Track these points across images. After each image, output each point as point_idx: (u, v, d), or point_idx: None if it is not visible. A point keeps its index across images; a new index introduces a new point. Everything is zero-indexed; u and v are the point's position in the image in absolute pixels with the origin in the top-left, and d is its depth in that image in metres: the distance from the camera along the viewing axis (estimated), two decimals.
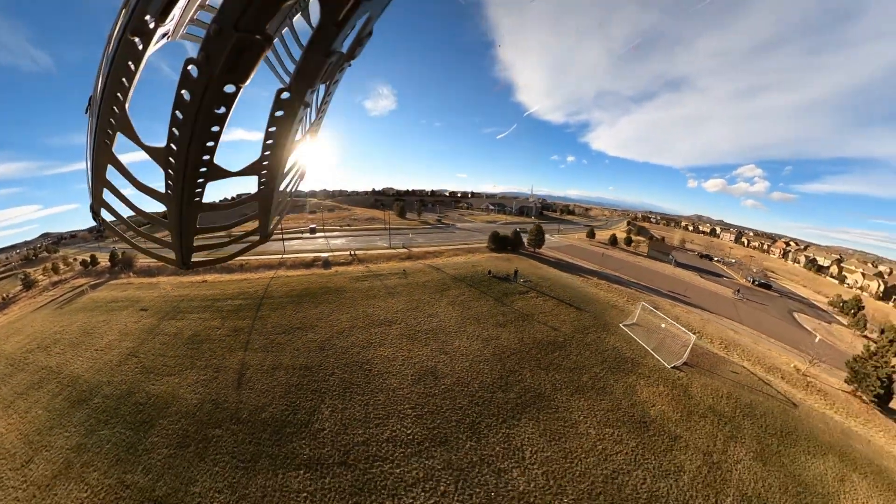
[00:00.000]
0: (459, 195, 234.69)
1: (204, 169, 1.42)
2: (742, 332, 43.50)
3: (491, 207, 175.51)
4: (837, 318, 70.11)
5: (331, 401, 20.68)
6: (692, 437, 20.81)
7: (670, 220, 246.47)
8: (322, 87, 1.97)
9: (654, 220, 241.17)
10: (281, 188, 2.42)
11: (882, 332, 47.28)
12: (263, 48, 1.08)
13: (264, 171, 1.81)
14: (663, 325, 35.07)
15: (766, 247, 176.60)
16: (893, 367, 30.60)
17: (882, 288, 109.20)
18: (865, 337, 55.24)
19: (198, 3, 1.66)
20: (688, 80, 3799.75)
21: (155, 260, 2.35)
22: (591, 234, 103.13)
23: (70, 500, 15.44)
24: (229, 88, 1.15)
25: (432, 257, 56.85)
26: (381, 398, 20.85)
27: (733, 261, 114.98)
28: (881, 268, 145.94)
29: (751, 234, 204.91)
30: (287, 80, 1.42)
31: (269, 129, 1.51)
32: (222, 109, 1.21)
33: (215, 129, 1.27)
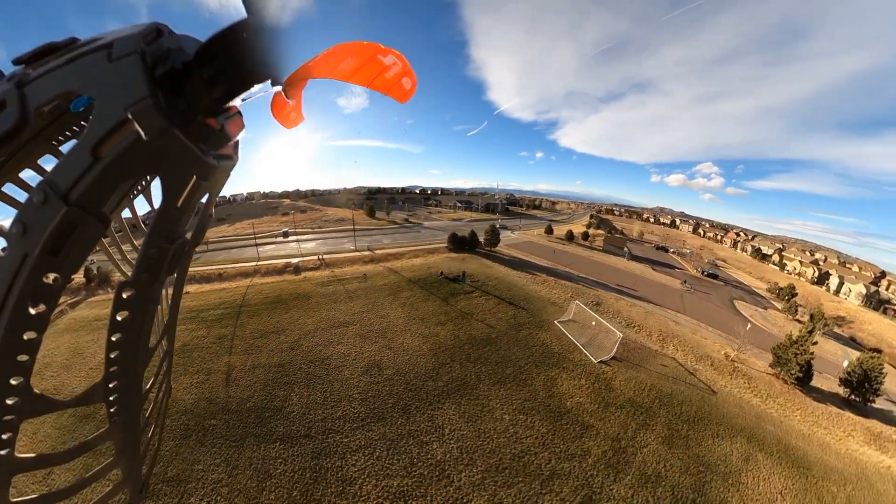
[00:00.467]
0: (429, 192, 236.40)
1: (13, 400, 0.96)
2: (683, 323, 46.83)
3: (459, 205, 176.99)
4: (774, 303, 76.08)
5: (298, 389, 24.47)
6: (604, 426, 22.75)
7: (633, 213, 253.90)
8: (168, 281, 1.46)
9: (617, 213, 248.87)
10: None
11: (811, 317, 54.64)
12: (98, 231, 0.85)
13: (114, 398, 1.23)
14: (594, 323, 36.88)
15: (719, 237, 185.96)
16: (812, 353, 33.89)
17: (816, 274, 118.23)
18: (797, 321, 61.74)
19: (23, 163, 1.34)
20: (654, 84, 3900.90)
21: None
22: (550, 231, 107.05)
23: (94, 494, 19.61)
24: (49, 277, 0.82)
25: (393, 259, 60.60)
26: (336, 386, 25.21)
27: (687, 251, 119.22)
28: (817, 255, 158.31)
29: (707, 225, 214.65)
30: (128, 272, 1.07)
31: (112, 339, 1.07)
32: (41, 307, 0.85)
33: (31, 335, 0.88)
